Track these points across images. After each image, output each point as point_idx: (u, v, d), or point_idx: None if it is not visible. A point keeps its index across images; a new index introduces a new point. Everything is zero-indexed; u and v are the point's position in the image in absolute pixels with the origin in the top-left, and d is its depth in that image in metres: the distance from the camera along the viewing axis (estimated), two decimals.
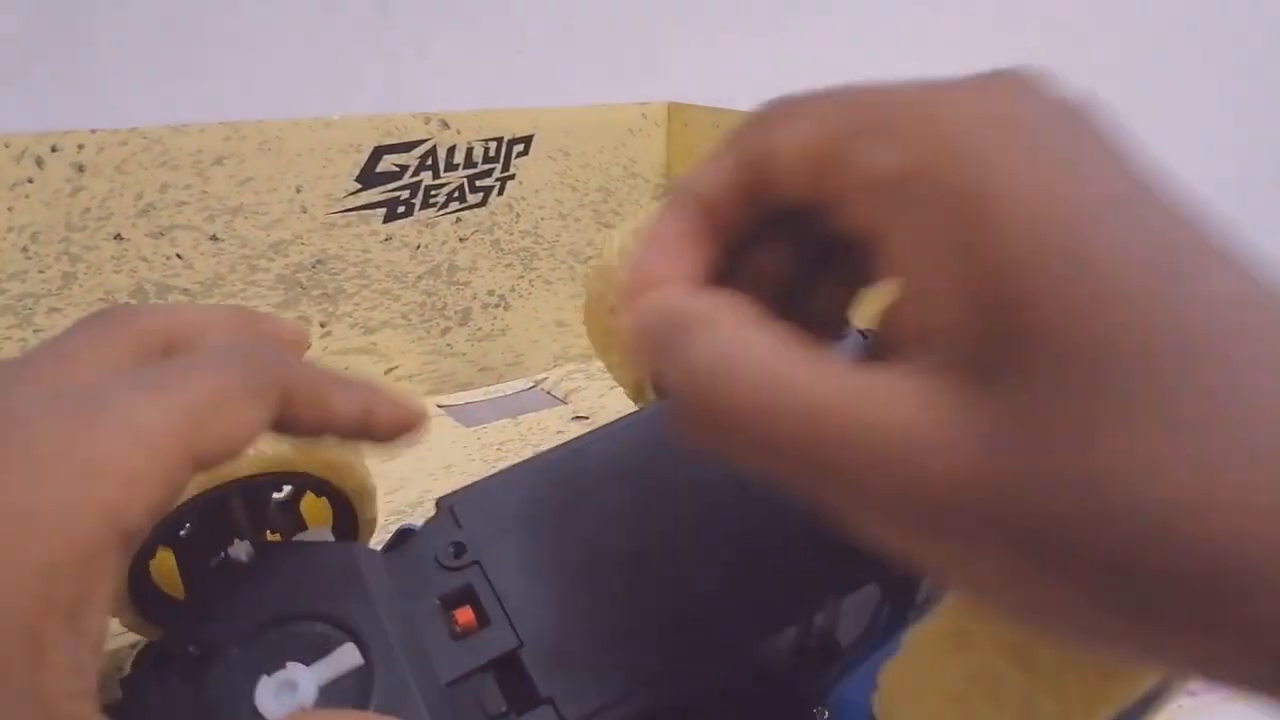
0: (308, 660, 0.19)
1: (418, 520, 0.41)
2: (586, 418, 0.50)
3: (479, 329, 0.52)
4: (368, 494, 0.25)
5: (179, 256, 0.42)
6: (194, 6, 0.55)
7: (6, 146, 0.37)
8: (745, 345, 0.15)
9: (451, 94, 0.62)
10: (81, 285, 0.40)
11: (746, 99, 0.55)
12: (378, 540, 0.27)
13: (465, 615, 0.22)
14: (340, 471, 0.23)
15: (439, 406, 0.50)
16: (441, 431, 0.47)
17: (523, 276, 0.53)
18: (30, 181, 0.38)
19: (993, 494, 0.12)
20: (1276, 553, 0.11)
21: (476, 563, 0.23)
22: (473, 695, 0.21)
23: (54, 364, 0.17)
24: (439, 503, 0.24)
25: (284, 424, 0.19)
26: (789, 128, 0.16)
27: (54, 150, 0.38)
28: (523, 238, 0.52)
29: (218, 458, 0.17)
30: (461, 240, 0.50)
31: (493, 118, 0.48)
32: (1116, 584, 0.12)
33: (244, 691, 0.18)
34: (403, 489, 0.42)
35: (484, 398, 0.52)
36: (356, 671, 0.19)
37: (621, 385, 0.33)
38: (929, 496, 0.13)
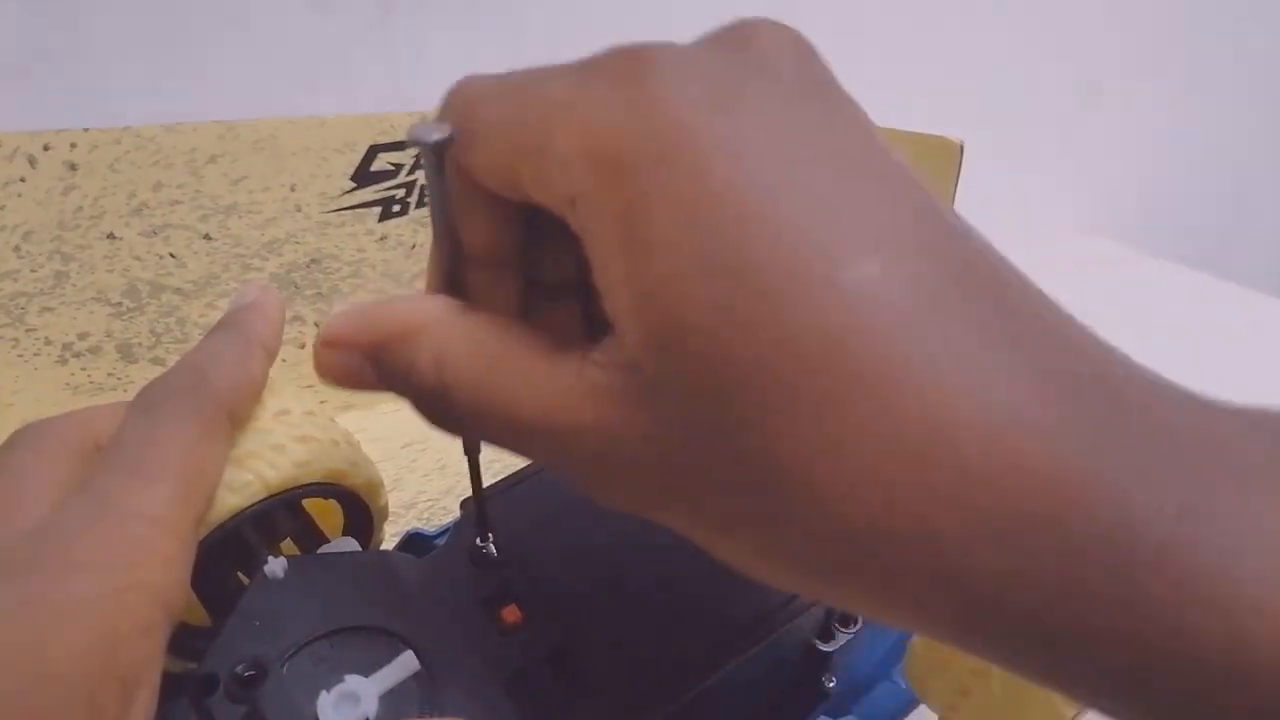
0: (365, 671, 0.19)
1: (414, 521, 0.40)
2: None
3: None
4: (376, 487, 0.25)
5: (172, 255, 0.42)
6: (193, 6, 0.55)
7: None
8: (457, 337, 0.17)
9: None
10: (74, 284, 0.40)
11: None
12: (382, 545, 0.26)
13: (512, 614, 0.22)
14: (347, 474, 0.23)
15: None
16: (436, 431, 0.47)
17: None
18: (23, 180, 0.38)
19: (654, 487, 0.15)
20: (909, 523, 0.13)
21: (512, 561, 0.23)
22: (531, 692, 0.21)
23: (13, 495, 0.18)
24: (464, 505, 0.24)
25: (237, 424, 0.21)
26: (475, 148, 0.17)
27: (47, 149, 0.38)
28: None
29: (208, 503, 0.20)
30: None
31: None
32: (774, 540, 0.14)
33: (304, 707, 0.18)
34: (397, 489, 0.42)
35: None
36: (416, 678, 0.19)
37: None
38: (605, 487, 0.15)
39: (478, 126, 0.16)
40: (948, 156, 0.39)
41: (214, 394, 0.20)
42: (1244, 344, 0.65)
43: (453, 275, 0.18)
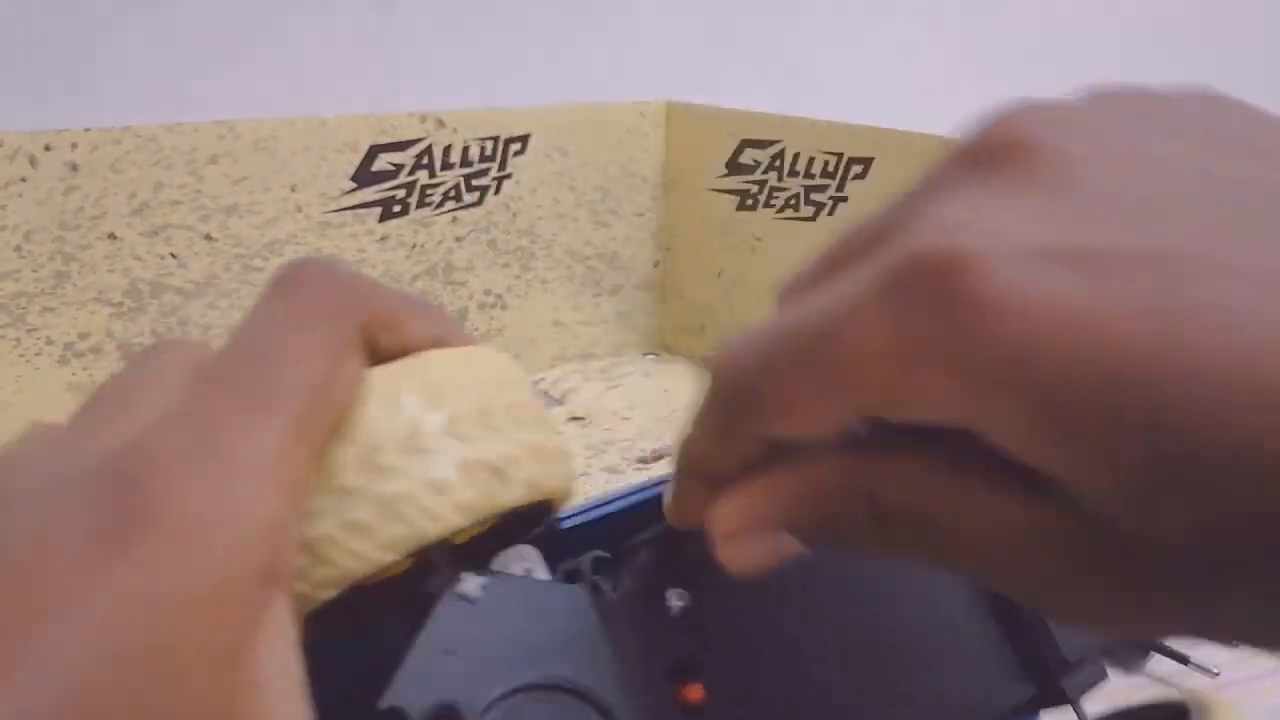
0: None
1: None
2: (583, 418, 0.49)
3: (476, 329, 0.52)
4: (570, 496, 0.22)
5: (173, 255, 0.42)
6: (192, 6, 0.55)
7: (0, 145, 0.37)
8: (885, 477, 0.15)
9: (450, 93, 0.62)
10: (75, 284, 0.40)
11: (743, 98, 0.55)
12: None
13: (695, 693, 0.20)
14: (562, 491, 0.20)
15: None
16: None
17: (519, 276, 0.52)
18: (24, 180, 0.38)
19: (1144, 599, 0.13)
20: None
21: (698, 628, 0.21)
22: None
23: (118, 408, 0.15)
24: (654, 537, 0.22)
25: (374, 359, 0.17)
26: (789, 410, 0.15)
27: (48, 149, 0.38)
28: (519, 237, 0.51)
29: (329, 433, 0.16)
30: (458, 240, 0.49)
31: (489, 117, 0.48)
32: None
33: None
34: None
35: None
36: None
37: None
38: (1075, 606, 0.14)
39: (784, 387, 0.15)
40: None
41: (361, 304, 0.17)
42: None
43: None
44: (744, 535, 0.17)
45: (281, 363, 0.15)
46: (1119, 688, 0.28)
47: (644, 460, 0.44)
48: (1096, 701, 0.22)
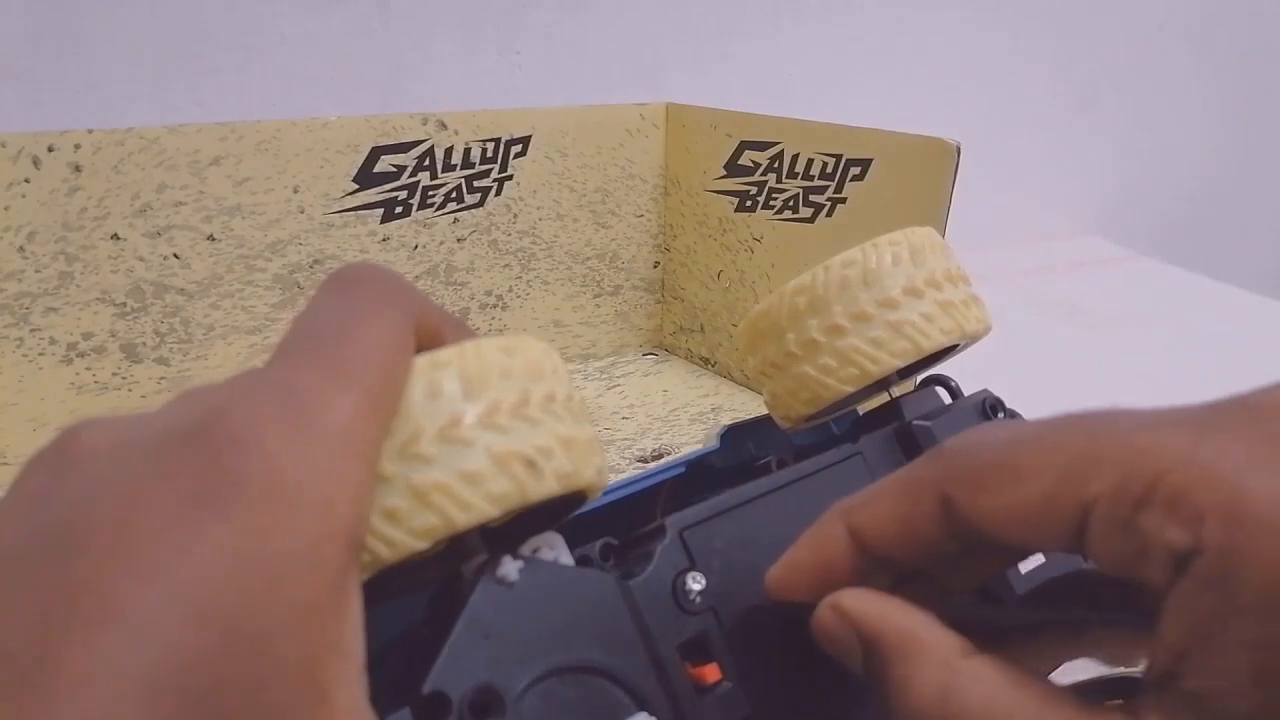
0: None
1: None
2: None
3: (477, 330, 0.52)
4: (602, 487, 0.22)
5: (176, 256, 0.42)
6: (194, 7, 0.55)
7: (3, 146, 0.37)
8: (966, 679, 0.16)
9: (451, 95, 0.62)
10: (78, 285, 0.40)
11: (744, 100, 0.55)
12: None
13: (712, 673, 0.21)
14: (596, 485, 0.20)
15: None
16: None
17: (520, 277, 0.53)
18: (27, 181, 0.38)
19: None
20: None
21: (713, 611, 0.22)
22: None
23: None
24: (667, 524, 0.22)
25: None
26: (998, 490, 0.16)
27: (51, 150, 0.38)
28: (520, 238, 0.52)
29: (394, 414, 0.17)
30: (459, 241, 0.50)
31: (490, 118, 0.48)
32: None
33: None
34: None
35: None
36: None
37: (772, 410, 0.29)
38: None
39: (1005, 468, 0.16)
40: (944, 158, 0.39)
41: (414, 303, 0.18)
42: (1232, 341, 0.66)
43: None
44: (842, 616, 0.18)
45: (355, 342, 0.16)
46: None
47: (643, 459, 0.44)
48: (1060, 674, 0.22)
